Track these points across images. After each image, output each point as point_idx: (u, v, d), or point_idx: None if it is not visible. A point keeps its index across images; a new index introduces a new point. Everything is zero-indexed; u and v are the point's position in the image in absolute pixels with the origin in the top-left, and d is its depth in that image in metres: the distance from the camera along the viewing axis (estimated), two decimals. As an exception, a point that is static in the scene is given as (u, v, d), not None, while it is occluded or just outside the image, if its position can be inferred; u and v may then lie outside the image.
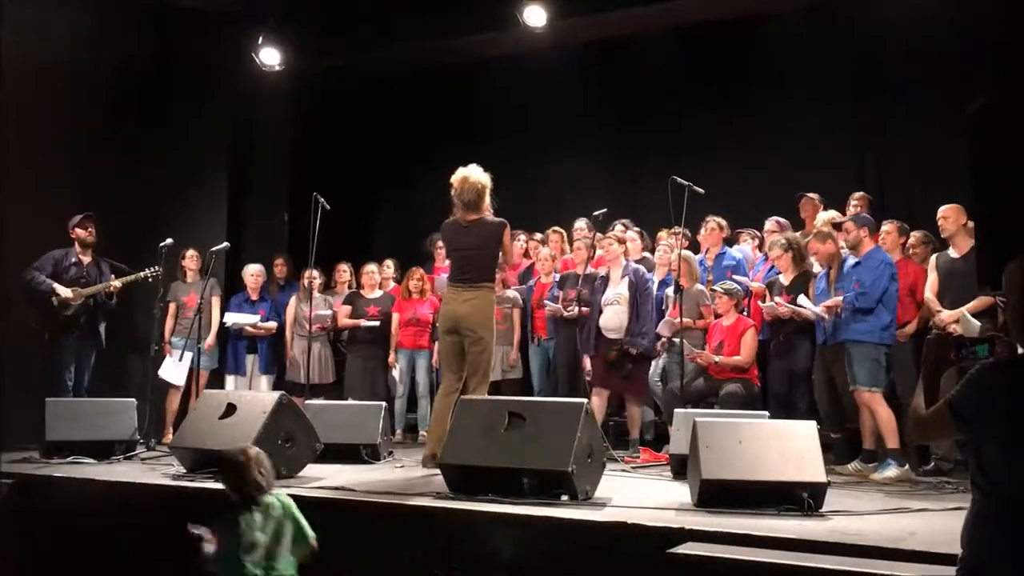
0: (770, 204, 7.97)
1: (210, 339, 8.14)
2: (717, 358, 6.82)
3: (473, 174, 5.79)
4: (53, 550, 5.06)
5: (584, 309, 7.13)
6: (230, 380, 8.34)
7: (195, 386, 7.80)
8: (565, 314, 7.31)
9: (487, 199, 5.83)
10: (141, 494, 5.20)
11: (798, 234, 7.22)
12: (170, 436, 7.50)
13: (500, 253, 5.87)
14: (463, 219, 5.82)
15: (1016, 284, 2.45)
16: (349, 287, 8.78)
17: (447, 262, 6.36)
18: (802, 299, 6.40)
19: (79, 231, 7.54)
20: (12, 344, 6.83)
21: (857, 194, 7.50)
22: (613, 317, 6.98)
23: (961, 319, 6.10)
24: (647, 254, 7.93)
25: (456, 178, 5.81)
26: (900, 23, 7.91)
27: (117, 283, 7.52)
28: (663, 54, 9.01)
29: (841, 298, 6.13)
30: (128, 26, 8.39)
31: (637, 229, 8.11)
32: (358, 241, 10.06)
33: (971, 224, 6.09)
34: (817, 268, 6.86)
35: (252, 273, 8.50)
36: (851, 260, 6.35)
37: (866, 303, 6.03)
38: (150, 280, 7.64)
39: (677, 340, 6.86)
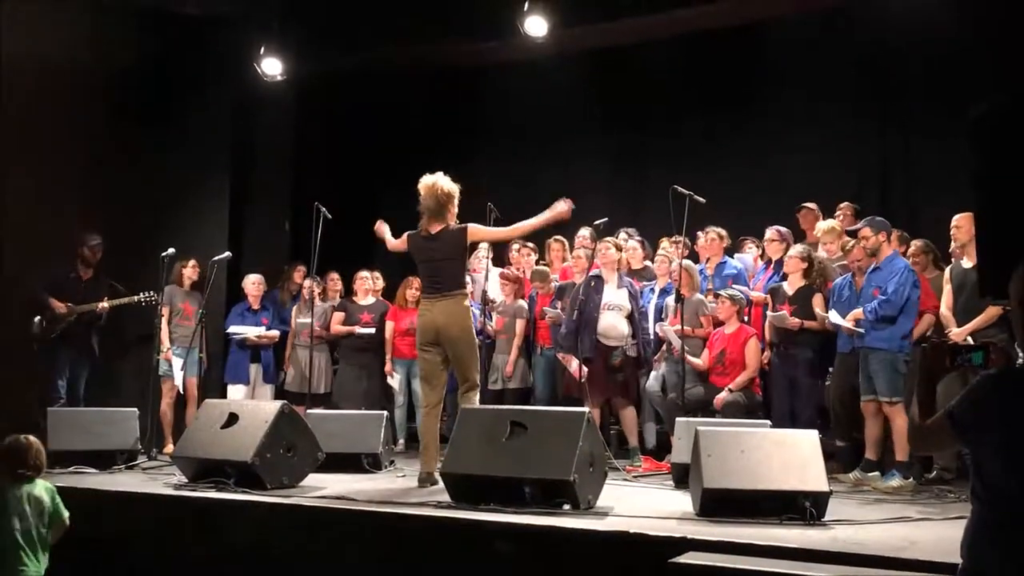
0: (772, 212, 7.97)
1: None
2: (730, 386, 6.79)
3: (439, 181, 5.74)
4: (53, 560, 5.04)
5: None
6: (233, 389, 8.31)
7: (199, 394, 7.79)
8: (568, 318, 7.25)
9: (454, 208, 5.77)
10: (143, 504, 5.20)
11: (808, 245, 7.23)
12: (171, 446, 7.51)
13: (467, 258, 5.81)
14: (427, 229, 5.78)
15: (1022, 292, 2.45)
16: (341, 295, 8.78)
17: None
18: (833, 315, 6.36)
19: (86, 251, 7.59)
20: (9, 353, 6.86)
21: (843, 204, 7.50)
22: (612, 324, 6.89)
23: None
24: (648, 263, 7.94)
25: (422, 185, 5.76)
26: (903, 29, 7.91)
27: (105, 305, 7.58)
28: (664, 62, 9.03)
29: (860, 311, 6.11)
30: (130, 32, 8.41)
31: (639, 239, 8.12)
32: (358, 247, 10.05)
33: None
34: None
35: (253, 283, 8.49)
36: (871, 267, 6.35)
37: (890, 311, 5.99)
38: (143, 304, 7.66)
39: (676, 345, 6.86)
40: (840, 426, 6.46)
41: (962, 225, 6.13)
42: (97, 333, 7.69)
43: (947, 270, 6.38)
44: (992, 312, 5.86)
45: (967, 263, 6.15)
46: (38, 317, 7.33)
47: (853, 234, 6.43)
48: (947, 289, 6.26)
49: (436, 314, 5.67)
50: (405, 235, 5.98)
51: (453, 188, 5.77)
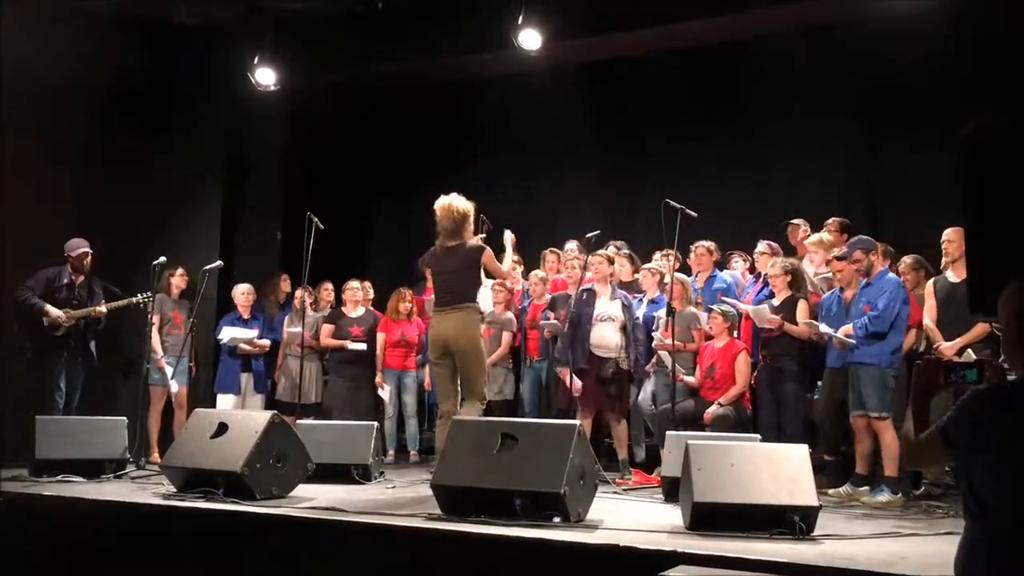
0: (764, 226, 8.01)
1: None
2: (720, 401, 6.83)
3: (454, 201, 5.93)
4: (41, 569, 5.02)
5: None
6: (223, 399, 8.28)
7: (188, 403, 7.76)
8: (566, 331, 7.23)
9: (469, 226, 5.97)
10: (131, 513, 5.17)
11: (793, 259, 7.27)
12: (156, 455, 7.47)
13: (482, 276, 5.95)
14: (444, 245, 5.95)
15: (1013, 310, 2.47)
16: (332, 306, 8.76)
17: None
18: (824, 326, 6.40)
19: (73, 256, 7.55)
20: (3, 361, 6.82)
21: (829, 220, 7.54)
22: (605, 336, 6.90)
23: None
24: (638, 276, 7.95)
25: (438, 206, 5.95)
26: (896, 47, 7.96)
27: (103, 308, 7.53)
28: (657, 76, 9.07)
29: (851, 326, 6.13)
30: (124, 43, 8.39)
31: (627, 252, 8.13)
32: (352, 259, 10.06)
33: None
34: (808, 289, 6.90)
35: (242, 292, 8.46)
36: (862, 282, 6.37)
37: (880, 327, 6.01)
38: (140, 306, 7.63)
39: (667, 361, 6.87)
40: (827, 441, 6.47)
41: (954, 239, 6.16)
42: (95, 338, 7.66)
43: (930, 282, 6.40)
44: (980, 329, 5.89)
45: (953, 277, 6.19)
46: None
47: (843, 258, 6.44)
48: (931, 303, 6.29)
49: (446, 326, 5.81)
50: (425, 256, 6.20)
51: (468, 207, 5.95)
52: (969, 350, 5.85)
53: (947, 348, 6.00)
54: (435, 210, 5.94)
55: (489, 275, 6.31)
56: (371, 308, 8.62)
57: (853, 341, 6.09)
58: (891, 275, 6.30)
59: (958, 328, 6.01)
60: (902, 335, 6.15)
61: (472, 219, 5.99)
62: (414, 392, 8.29)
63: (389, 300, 8.42)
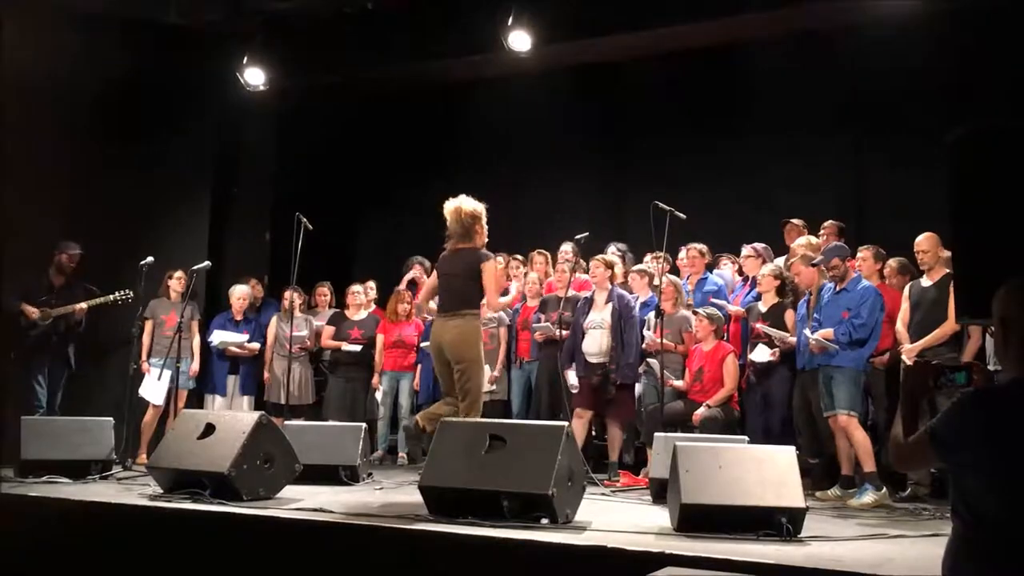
0: (753, 229, 8.04)
1: (195, 365, 8.11)
2: (709, 402, 6.84)
3: (463, 204, 5.71)
4: (26, 570, 4.99)
5: (565, 332, 7.13)
6: (210, 400, 8.28)
7: (173, 406, 7.73)
8: (557, 334, 7.23)
9: (481, 228, 5.72)
10: (117, 515, 5.14)
11: (782, 260, 7.29)
12: (144, 456, 7.43)
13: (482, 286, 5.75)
14: (454, 247, 5.76)
15: (999, 315, 2.47)
16: (330, 307, 8.75)
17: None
18: (808, 332, 6.43)
19: (63, 257, 7.51)
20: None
21: (827, 223, 7.57)
22: (595, 341, 6.94)
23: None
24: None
25: (447, 209, 5.74)
26: (884, 52, 8.00)
27: (83, 306, 7.50)
28: (648, 79, 9.09)
29: (832, 331, 6.15)
30: (113, 44, 8.37)
31: (621, 253, 8.14)
32: (340, 261, 10.05)
33: (945, 253, 6.13)
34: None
35: (239, 296, 8.44)
36: (828, 286, 6.40)
37: (864, 334, 6.08)
38: (119, 303, 7.58)
39: (655, 364, 6.88)
40: (807, 444, 6.48)
41: (928, 249, 6.23)
42: (74, 341, 7.62)
43: (906, 287, 6.47)
44: (944, 331, 6.00)
45: (926, 281, 6.29)
46: None
47: (816, 265, 6.47)
48: (904, 306, 6.37)
49: (443, 333, 5.63)
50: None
51: (477, 208, 5.72)
52: (903, 356, 5.95)
53: (908, 350, 6.10)
54: (445, 214, 5.73)
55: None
56: (374, 313, 8.60)
57: (836, 346, 6.11)
58: (866, 282, 6.35)
59: (925, 327, 6.12)
60: (878, 340, 6.26)
61: (484, 221, 5.73)
62: (408, 393, 8.27)
63: (388, 301, 8.43)
